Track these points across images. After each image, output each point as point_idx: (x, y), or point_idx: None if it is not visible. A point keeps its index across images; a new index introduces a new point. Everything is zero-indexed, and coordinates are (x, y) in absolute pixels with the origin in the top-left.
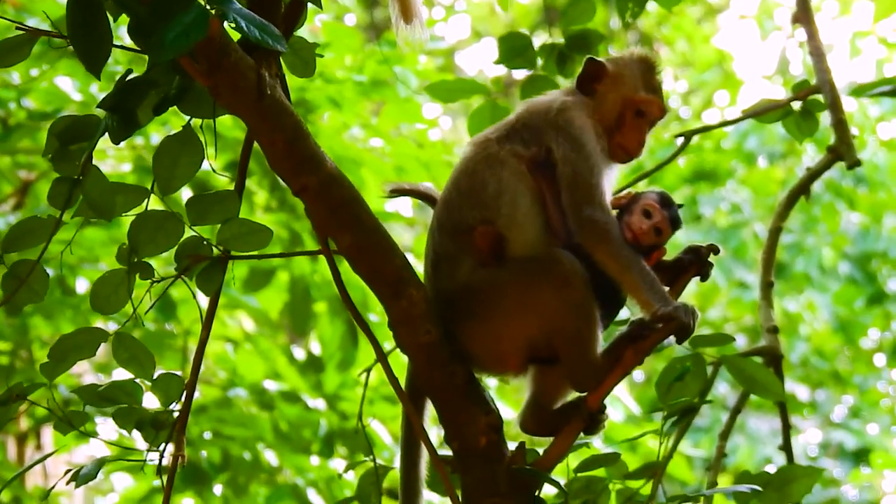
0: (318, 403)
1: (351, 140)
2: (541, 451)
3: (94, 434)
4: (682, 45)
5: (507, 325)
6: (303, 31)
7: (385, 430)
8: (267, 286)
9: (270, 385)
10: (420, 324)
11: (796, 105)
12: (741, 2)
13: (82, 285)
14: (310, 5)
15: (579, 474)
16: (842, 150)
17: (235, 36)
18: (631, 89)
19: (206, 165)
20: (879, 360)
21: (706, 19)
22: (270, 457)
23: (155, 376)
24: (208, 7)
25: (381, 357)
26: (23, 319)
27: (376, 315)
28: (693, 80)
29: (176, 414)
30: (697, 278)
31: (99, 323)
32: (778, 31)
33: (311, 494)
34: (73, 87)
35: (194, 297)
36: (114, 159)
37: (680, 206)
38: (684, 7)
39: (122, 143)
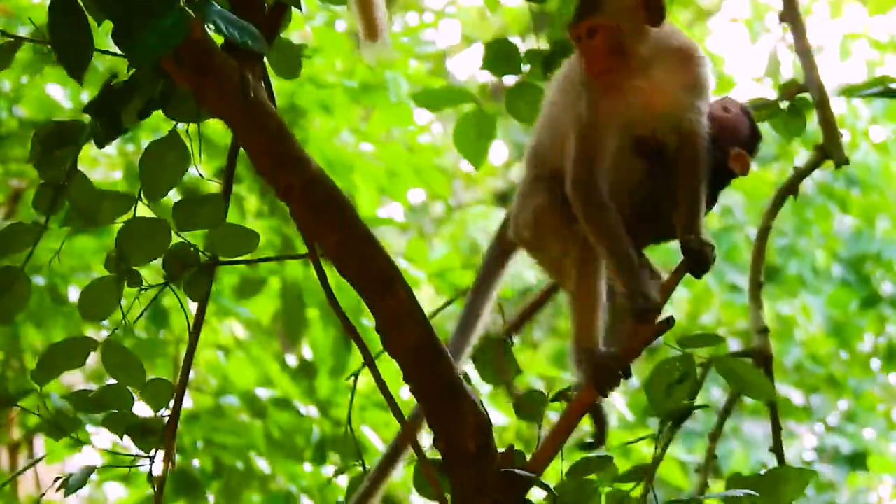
0: (311, 410)
1: (341, 145)
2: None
3: (86, 442)
4: None
5: None
6: (293, 37)
7: (377, 437)
8: (258, 293)
9: (262, 392)
10: (408, 324)
11: (785, 104)
12: (732, 4)
13: (74, 294)
14: (298, 11)
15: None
16: (830, 149)
17: (219, 40)
18: None
19: (197, 172)
20: (875, 363)
21: (697, 22)
22: (263, 464)
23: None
24: (188, 10)
25: (369, 359)
26: (14, 328)
27: (369, 320)
28: None
29: (166, 419)
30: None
31: (90, 332)
32: (768, 33)
33: (305, 501)
34: (63, 96)
35: (182, 306)
36: (104, 167)
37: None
38: (675, 10)
39: (114, 150)
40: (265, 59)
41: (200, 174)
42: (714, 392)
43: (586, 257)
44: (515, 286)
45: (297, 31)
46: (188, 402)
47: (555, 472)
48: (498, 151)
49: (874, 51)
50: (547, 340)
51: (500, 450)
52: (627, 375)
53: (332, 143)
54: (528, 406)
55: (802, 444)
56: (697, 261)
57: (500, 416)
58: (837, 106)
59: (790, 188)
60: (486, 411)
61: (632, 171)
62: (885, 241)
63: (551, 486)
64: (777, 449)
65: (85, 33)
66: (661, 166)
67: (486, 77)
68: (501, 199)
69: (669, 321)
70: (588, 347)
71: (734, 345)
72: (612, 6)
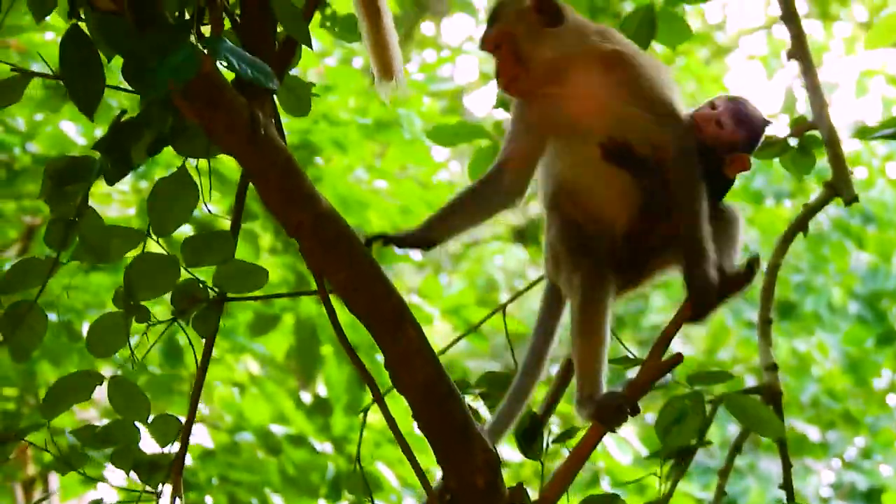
0: (326, 447)
1: (356, 181)
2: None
3: (99, 478)
4: (692, 86)
5: None
6: (309, 74)
7: (392, 473)
8: (272, 330)
9: (277, 429)
10: (417, 361)
11: (794, 141)
12: (750, 41)
13: None
14: (309, 49)
15: None
16: (839, 186)
17: (229, 76)
18: None
19: (208, 209)
20: (891, 400)
21: (715, 60)
22: (278, 501)
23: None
24: (199, 46)
25: (378, 396)
26: (30, 365)
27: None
28: None
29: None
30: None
31: (107, 368)
32: (783, 69)
33: None
34: (77, 132)
35: (190, 343)
36: (119, 203)
37: (766, 122)
38: (692, 47)
39: (128, 187)
40: (274, 96)
41: (209, 210)
42: (731, 428)
43: (588, 293)
44: (531, 322)
45: (314, 68)
46: (205, 439)
47: None
48: None
49: (891, 87)
50: None
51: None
52: (635, 412)
53: (345, 180)
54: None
55: (819, 480)
56: (700, 295)
57: (516, 454)
58: (853, 143)
59: (799, 225)
60: (494, 448)
61: (613, 182)
62: None
63: None
64: (787, 485)
65: (96, 69)
66: (653, 175)
67: (503, 114)
68: (519, 235)
69: (678, 357)
70: (589, 392)
71: (750, 381)
72: (507, 15)
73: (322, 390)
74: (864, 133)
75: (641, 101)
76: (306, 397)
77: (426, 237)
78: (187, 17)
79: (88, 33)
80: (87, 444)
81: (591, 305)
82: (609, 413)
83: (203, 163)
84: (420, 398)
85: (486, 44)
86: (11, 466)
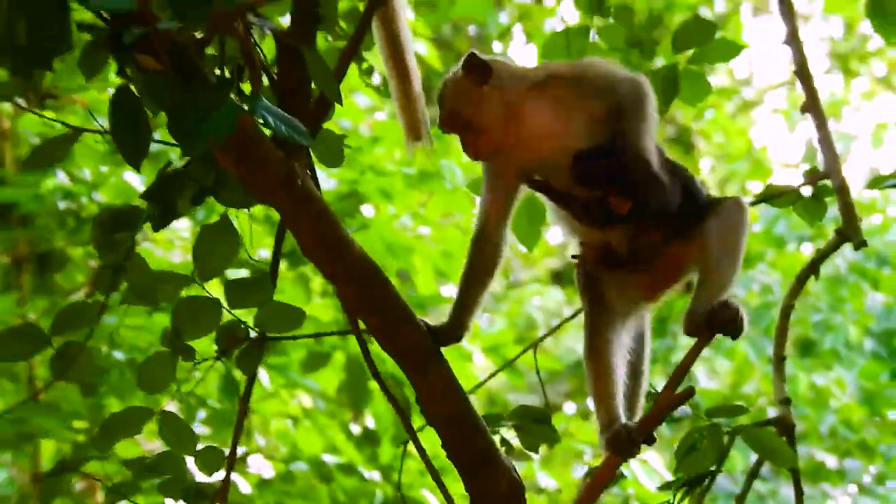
0: (374, 475)
1: (401, 228)
2: None
3: None
4: (719, 137)
5: None
6: (362, 128)
7: (436, 500)
8: (324, 367)
9: (329, 458)
10: (445, 397)
11: (809, 190)
12: (774, 96)
13: None
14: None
15: None
16: (849, 233)
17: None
18: None
19: (254, 254)
20: None
21: (741, 113)
22: None
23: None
24: (238, 102)
25: (410, 430)
26: (98, 400)
27: None
28: (725, 170)
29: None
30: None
31: (171, 404)
32: (804, 122)
33: None
34: (139, 182)
35: (232, 378)
36: (181, 250)
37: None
38: (721, 101)
39: (189, 234)
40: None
41: (249, 257)
42: (753, 457)
43: (591, 325)
44: (566, 359)
45: (363, 122)
46: (264, 469)
47: None
48: (555, 232)
49: None
50: None
51: None
52: (650, 442)
53: (391, 228)
54: None
55: None
56: (708, 322)
57: (551, 481)
58: (869, 191)
59: (811, 269)
60: (519, 477)
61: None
62: None
63: None
64: None
65: (143, 126)
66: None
67: None
68: (557, 277)
69: (690, 391)
70: (607, 419)
71: (772, 413)
72: (449, 94)
73: (370, 422)
74: (876, 182)
75: (596, 113)
76: (356, 429)
77: (456, 334)
78: (227, 75)
79: (136, 91)
80: (138, 475)
81: (595, 335)
82: (621, 443)
83: (254, 210)
84: (448, 431)
85: (443, 127)
86: (81, 494)
